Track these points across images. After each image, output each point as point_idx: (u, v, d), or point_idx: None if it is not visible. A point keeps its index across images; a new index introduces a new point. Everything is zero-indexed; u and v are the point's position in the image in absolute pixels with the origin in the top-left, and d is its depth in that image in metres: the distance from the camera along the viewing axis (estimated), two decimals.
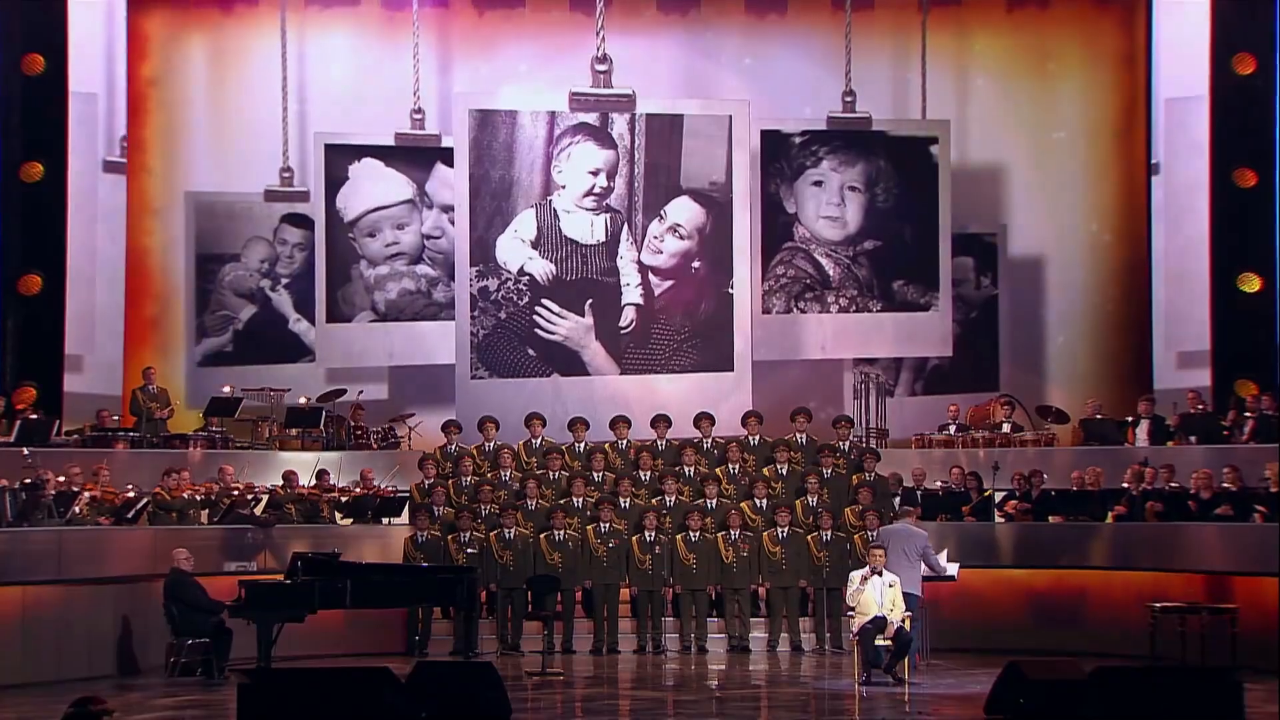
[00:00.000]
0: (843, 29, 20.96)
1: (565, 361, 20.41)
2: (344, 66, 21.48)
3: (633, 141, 20.52)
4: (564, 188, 20.51)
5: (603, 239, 20.53)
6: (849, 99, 20.91)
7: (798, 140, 20.87)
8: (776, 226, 20.80)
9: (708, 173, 20.66)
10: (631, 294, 20.60)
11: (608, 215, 20.55)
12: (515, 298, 20.42)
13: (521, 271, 20.43)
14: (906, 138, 21.01)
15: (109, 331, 20.31)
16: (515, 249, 20.46)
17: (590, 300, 20.47)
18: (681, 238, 20.69)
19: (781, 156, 20.80)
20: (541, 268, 20.49)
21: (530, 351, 20.36)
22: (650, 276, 20.66)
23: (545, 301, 20.44)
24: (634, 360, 20.52)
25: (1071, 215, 21.41)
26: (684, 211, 20.71)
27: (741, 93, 21.08)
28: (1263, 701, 12.45)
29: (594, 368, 20.45)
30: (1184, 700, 10.90)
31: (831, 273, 20.92)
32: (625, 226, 20.55)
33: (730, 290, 20.51)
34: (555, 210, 20.53)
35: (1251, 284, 19.24)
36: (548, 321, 20.41)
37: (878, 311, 20.87)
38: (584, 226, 20.55)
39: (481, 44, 21.55)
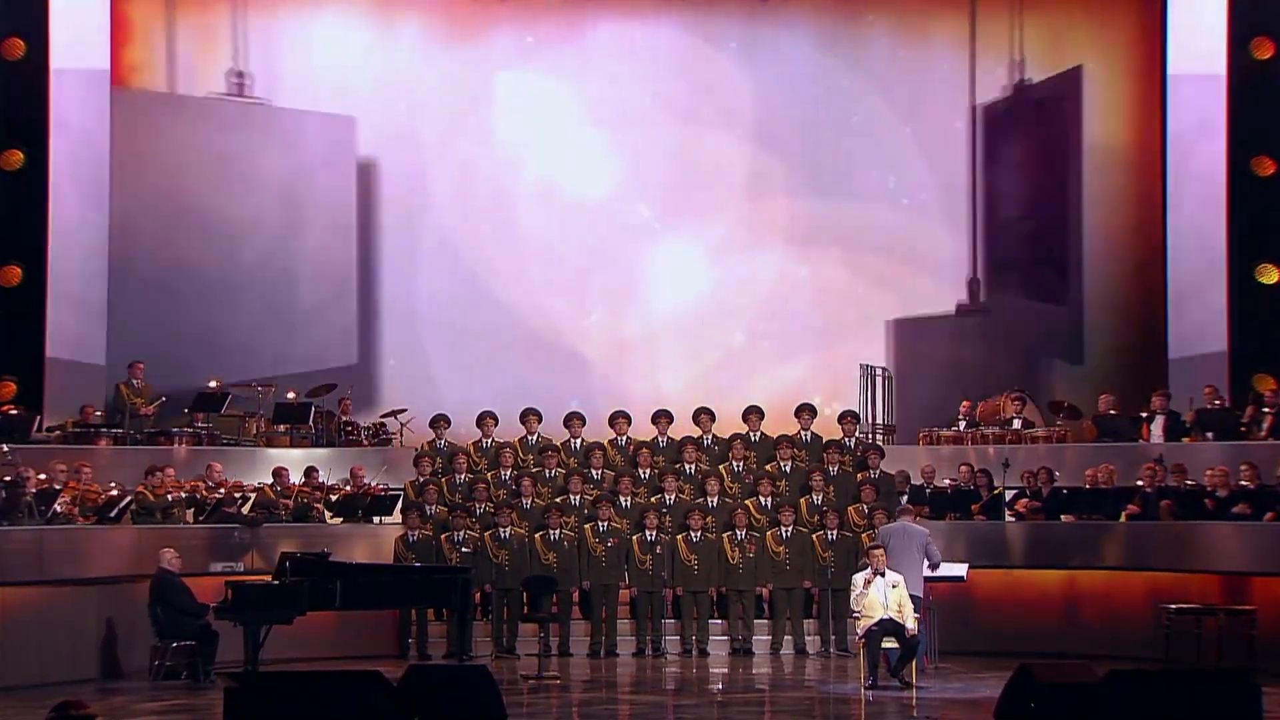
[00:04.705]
0: (850, 13, 21.17)
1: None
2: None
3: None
4: None
5: None
6: None
7: None
8: None
9: None
10: None
11: None
12: None
13: None
14: None
15: (95, 325, 19.74)
16: None
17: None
18: None
19: None
20: None
21: None
22: None
23: None
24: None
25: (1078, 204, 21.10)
26: None
27: (739, 79, 21.17)
28: None
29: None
30: (1201, 704, 10.67)
31: None
32: None
33: None
34: None
35: (1270, 275, 18.89)
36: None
37: None
38: None
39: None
